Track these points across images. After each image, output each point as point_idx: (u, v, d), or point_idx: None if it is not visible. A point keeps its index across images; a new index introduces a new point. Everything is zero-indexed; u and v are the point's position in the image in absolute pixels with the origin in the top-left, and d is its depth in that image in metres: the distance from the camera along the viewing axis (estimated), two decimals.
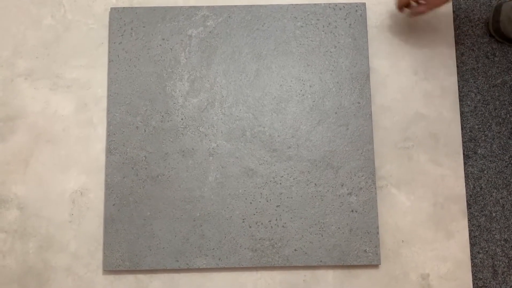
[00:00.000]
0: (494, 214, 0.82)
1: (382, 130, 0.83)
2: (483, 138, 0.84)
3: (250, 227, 0.78)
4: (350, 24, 0.84)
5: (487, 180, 0.83)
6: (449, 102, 0.83)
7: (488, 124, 0.84)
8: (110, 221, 0.80)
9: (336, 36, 0.84)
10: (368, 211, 0.78)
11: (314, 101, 0.82)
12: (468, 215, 0.82)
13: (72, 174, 0.84)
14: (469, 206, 0.82)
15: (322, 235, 0.78)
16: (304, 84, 0.83)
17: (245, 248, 0.78)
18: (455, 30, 0.87)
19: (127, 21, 0.85)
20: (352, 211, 0.78)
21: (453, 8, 0.87)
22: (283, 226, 0.78)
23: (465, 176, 0.82)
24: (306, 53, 0.84)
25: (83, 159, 0.84)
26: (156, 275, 0.81)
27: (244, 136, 0.81)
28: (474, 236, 0.81)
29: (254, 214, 0.79)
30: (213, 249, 0.78)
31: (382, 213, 0.80)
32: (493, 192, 0.83)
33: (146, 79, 0.84)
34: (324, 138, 0.81)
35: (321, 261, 0.77)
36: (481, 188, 0.83)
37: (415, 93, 0.83)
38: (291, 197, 0.79)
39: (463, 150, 0.83)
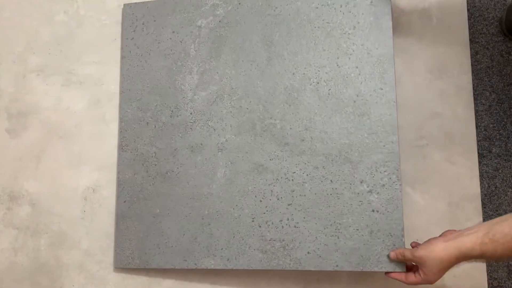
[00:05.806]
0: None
1: None
2: (498, 137, 0.84)
3: (260, 226, 0.74)
4: (371, 1, 0.76)
5: (502, 179, 0.82)
6: (463, 100, 0.83)
7: (503, 122, 0.84)
8: (121, 218, 0.80)
9: (355, 16, 0.76)
10: (392, 211, 0.71)
11: (330, 89, 0.75)
12: (483, 214, 0.81)
13: (84, 171, 0.84)
14: (483, 205, 0.81)
15: (338, 237, 0.71)
16: (319, 71, 0.76)
17: (254, 249, 0.74)
18: (469, 29, 0.86)
19: (139, 16, 0.84)
20: (373, 210, 0.71)
21: (467, 6, 0.87)
22: (295, 227, 0.73)
23: (480, 175, 0.82)
24: (321, 37, 0.77)
25: (96, 155, 0.84)
26: (168, 273, 0.80)
27: (254, 130, 0.77)
28: None
29: (264, 213, 0.74)
30: (222, 249, 0.75)
31: None
32: (508, 191, 0.82)
33: (156, 74, 0.82)
34: (341, 130, 0.74)
35: (337, 265, 0.71)
36: (496, 187, 0.82)
37: (429, 92, 0.83)
38: (304, 195, 0.73)
39: (478, 149, 0.82)
